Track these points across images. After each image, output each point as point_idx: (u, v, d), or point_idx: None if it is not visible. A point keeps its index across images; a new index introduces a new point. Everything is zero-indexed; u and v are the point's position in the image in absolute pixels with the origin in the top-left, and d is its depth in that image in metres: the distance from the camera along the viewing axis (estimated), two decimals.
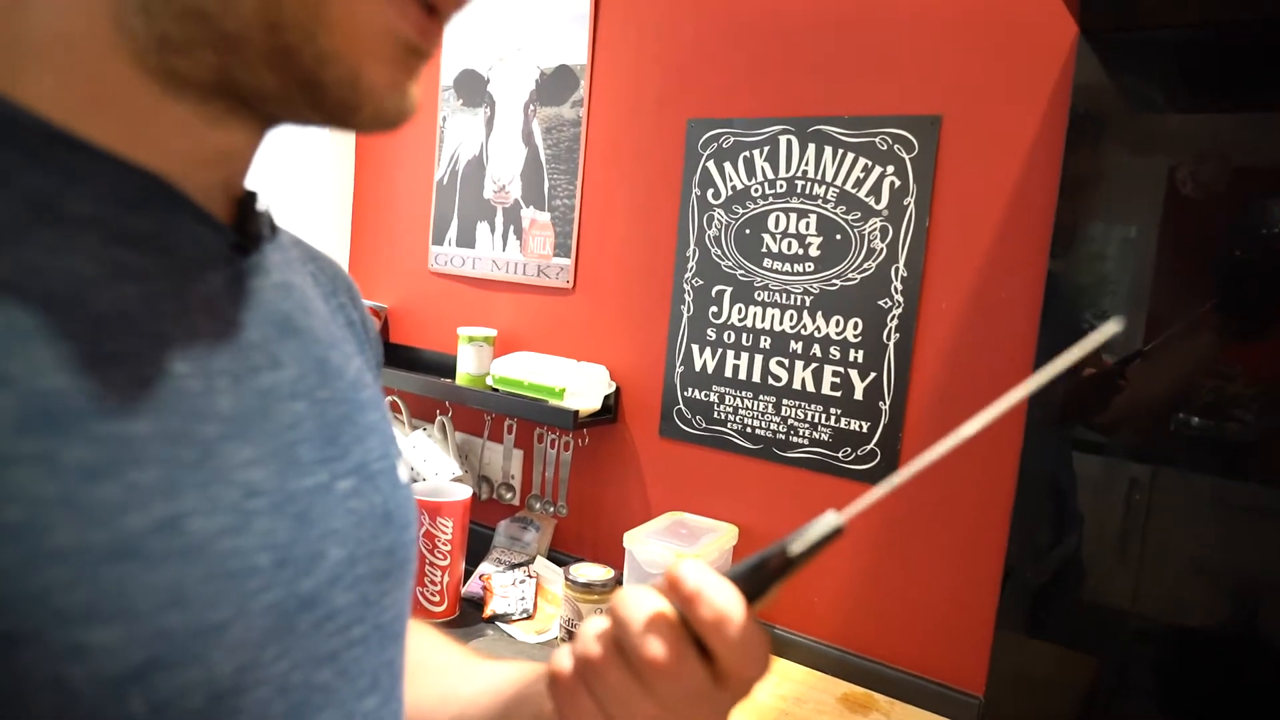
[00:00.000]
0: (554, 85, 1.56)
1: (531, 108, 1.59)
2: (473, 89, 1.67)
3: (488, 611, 1.38)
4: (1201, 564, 1.00)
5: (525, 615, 1.39)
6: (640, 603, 0.39)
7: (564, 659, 0.41)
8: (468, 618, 1.39)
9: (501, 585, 1.43)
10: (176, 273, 0.33)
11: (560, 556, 1.55)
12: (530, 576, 1.46)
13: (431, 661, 0.56)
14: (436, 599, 1.37)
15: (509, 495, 1.64)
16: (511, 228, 1.63)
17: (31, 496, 0.26)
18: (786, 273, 1.30)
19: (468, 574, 1.49)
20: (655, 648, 0.37)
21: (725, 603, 0.37)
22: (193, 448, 0.31)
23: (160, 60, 0.30)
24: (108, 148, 0.31)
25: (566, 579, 1.28)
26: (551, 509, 1.56)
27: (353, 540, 0.38)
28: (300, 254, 0.46)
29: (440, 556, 1.35)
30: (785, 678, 1.25)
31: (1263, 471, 0.97)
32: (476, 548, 1.59)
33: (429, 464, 1.54)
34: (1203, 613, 1.00)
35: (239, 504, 0.32)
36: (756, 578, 0.39)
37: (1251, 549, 0.97)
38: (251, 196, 0.39)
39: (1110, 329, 0.38)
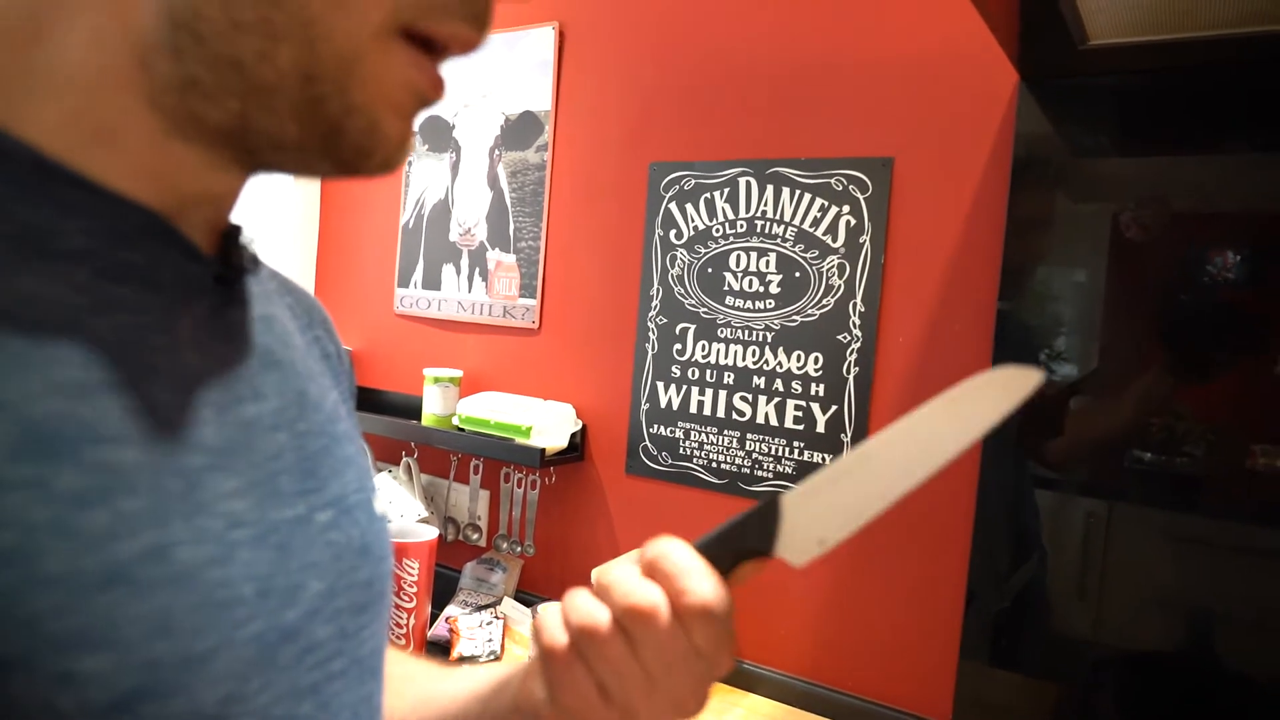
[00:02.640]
0: (518, 130, 1.59)
1: (497, 152, 1.62)
2: (438, 135, 1.70)
3: (454, 654, 1.36)
4: (1157, 593, 1.03)
5: (493, 657, 1.37)
6: (624, 573, 0.42)
7: (556, 633, 0.42)
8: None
9: (468, 627, 1.41)
10: (164, 305, 0.33)
11: (528, 597, 1.54)
12: (497, 618, 1.45)
13: (400, 671, 0.56)
14: (402, 642, 1.35)
15: (475, 536, 1.63)
16: (477, 270, 1.64)
17: (24, 522, 0.26)
18: (748, 310, 1.33)
19: (434, 617, 1.48)
20: (646, 596, 0.40)
21: (703, 589, 0.41)
22: (179, 477, 0.31)
23: (180, 102, 0.31)
24: (103, 182, 0.31)
25: (534, 619, 1.27)
26: (519, 549, 1.55)
27: (332, 573, 0.38)
28: (278, 286, 0.47)
29: (406, 599, 1.34)
30: (753, 712, 1.25)
31: (1211, 504, 1.01)
32: (443, 590, 1.57)
33: (394, 506, 1.53)
34: (1160, 640, 1.03)
35: (223, 534, 0.32)
36: (729, 552, 0.43)
37: (1203, 578, 1.00)
38: (235, 230, 0.39)
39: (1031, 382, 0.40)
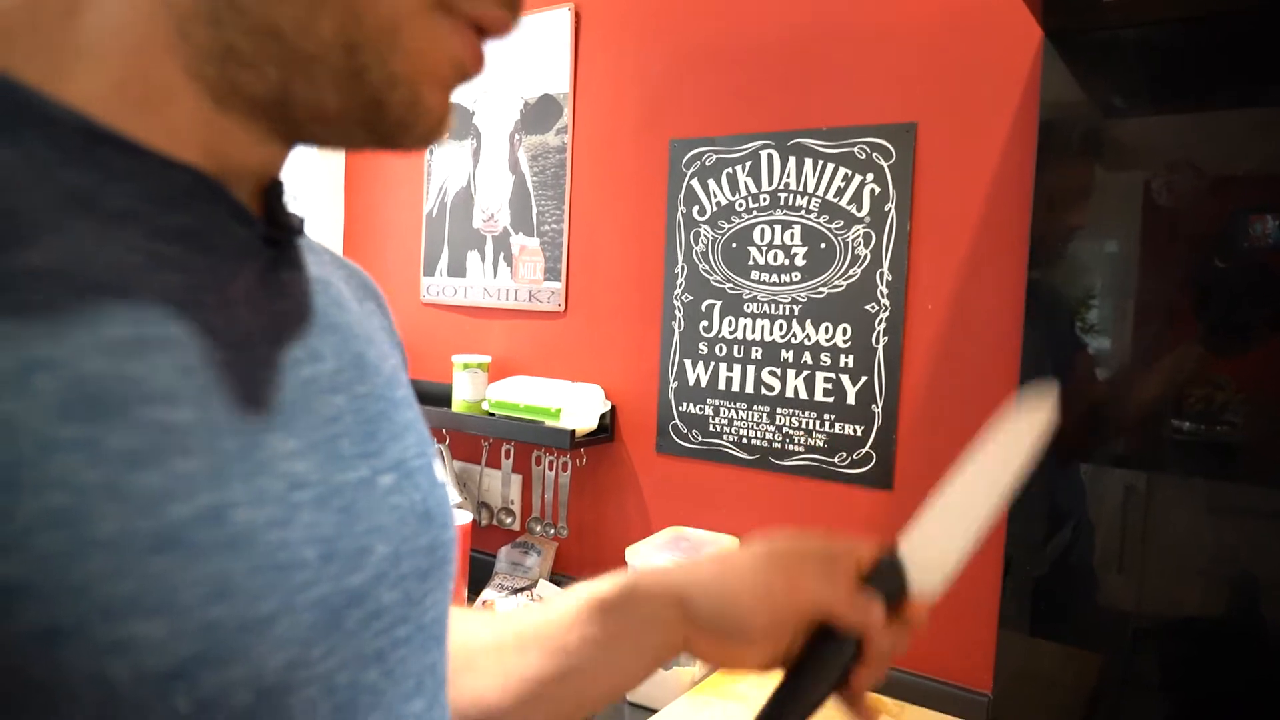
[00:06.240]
0: (538, 114, 1.59)
1: (517, 137, 1.62)
2: (459, 121, 1.70)
3: None
4: (1199, 561, 1.01)
5: None
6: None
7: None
8: None
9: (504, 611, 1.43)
10: (216, 265, 0.33)
11: (563, 579, 1.55)
12: (534, 600, 1.46)
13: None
14: None
15: (509, 520, 1.64)
16: (501, 255, 1.65)
17: (75, 483, 0.26)
18: (774, 283, 1.32)
19: (471, 602, 1.49)
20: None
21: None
22: (236, 437, 0.31)
23: (219, 71, 0.31)
24: (150, 146, 0.31)
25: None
26: (552, 531, 1.56)
27: (396, 537, 0.37)
28: (330, 259, 0.47)
29: None
30: None
31: (1252, 472, 0.99)
32: (479, 575, 1.59)
33: None
34: (1203, 609, 1.01)
35: (284, 495, 0.32)
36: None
37: (1246, 545, 0.98)
38: (278, 186, 0.38)
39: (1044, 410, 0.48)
